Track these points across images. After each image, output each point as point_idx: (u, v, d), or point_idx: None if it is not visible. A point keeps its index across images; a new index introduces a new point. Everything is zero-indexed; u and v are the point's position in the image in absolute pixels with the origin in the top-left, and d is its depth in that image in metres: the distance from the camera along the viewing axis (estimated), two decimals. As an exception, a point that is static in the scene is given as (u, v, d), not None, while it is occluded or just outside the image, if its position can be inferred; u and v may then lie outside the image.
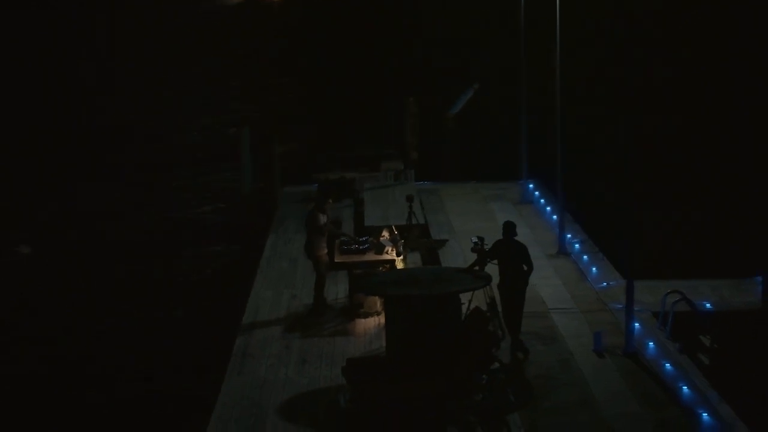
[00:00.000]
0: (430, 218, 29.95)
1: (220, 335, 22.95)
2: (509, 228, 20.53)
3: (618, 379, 19.21)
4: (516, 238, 20.62)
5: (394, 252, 22.72)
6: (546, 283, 24.57)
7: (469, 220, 30.57)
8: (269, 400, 18.65)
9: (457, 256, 26.02)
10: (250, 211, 33.97)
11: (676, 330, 21.30)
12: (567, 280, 24.80)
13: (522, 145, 32.16)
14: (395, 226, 24.31)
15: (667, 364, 19.57)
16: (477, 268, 20.45)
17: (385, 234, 23.61)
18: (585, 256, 26.41)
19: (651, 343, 20.60)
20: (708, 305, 22.73)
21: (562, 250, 26.93)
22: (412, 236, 26.37)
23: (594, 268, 25.43)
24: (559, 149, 26.79)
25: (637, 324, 21.51)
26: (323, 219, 22.51)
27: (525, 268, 20.44)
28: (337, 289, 23.88)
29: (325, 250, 22.70)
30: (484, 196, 33.33)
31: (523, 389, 18.68)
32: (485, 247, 20.70)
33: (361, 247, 22.97)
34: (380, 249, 22.78)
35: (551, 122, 27.05)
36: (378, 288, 20.01)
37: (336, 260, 22.68)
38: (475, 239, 21.17)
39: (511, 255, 20.36)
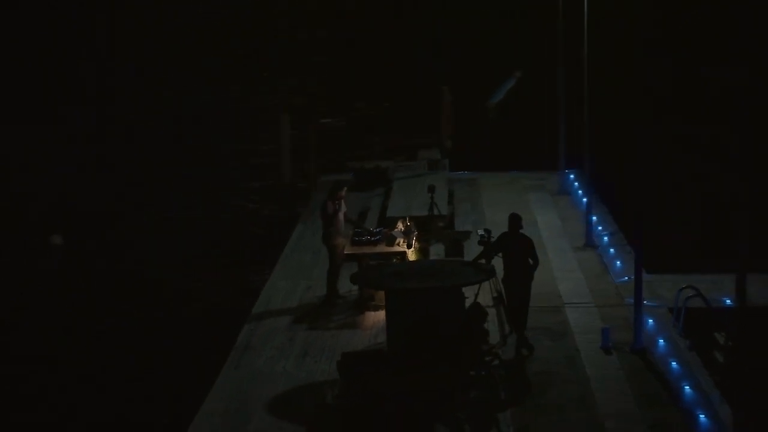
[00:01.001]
0: (462, 208, 29.49)
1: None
2: (515, 221, 20.04)
3: (621, 377, 18.65)
4: (522, 231, 20.13)
5: (405, 244, 22.31)
6: (567, 277, 24.06)
7: (501, 210, 29.94)
8: (261, 393, 18.29)
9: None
10: (288, 201, 33.76)
11: (690, 327, 20.69)
12: (589, 274, 24.25)
13: (560, 134, 31.64)
14: (410, 218, 23.84)
15: (674, 363, 18.97)
16: (483, 261, 20.02)
17: (400, 225, 23.20)
18: (612, 249, 25.83)
19: (661, 341, 20.01)
20: (728, 301, 22.03)
21: (589, 243, 26.36)
22: (435, 227, 25.98)
23: (618, 262, 24.86)
24: (587, 139, 26.31)
25: (651, 320, 20.99)
26: (332, 208, 22.20)
27: (531, 262, 19.94)
28: (352, 281, 23.57)
29: (340, 240, 22.38)
30: (524, 186, 32.81)
31: (519, 387, 18.21)
32: (492, 239, 20.23)
33: (373, 239, 22.58)
34: (391, 240, 22.40)
35: (596, 111, 26.66)
36: (375, 280, 19.64)
37: (346, 251, 22.32)
38: (481, 232, 20.70)
39: (516, 249, 19.86)
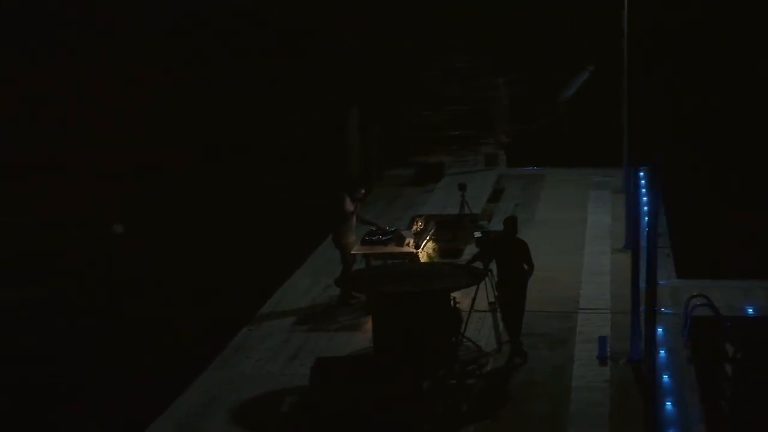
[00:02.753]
0: (506, 207, 28.70)
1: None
2: (510, 224, 19.34)
3: (604, 390, 17.80)
4: (518, 234, 19.42)
5: (414, 244, 21.77)
6: (593, 281, 23.26)
7: (554, 209, 29.34)
8: (232, 398, 17.91)
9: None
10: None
11: (698, 338, 19.74)
12: (617, 278, 23.35)
13: (624, 128, 30.59)
14: (426, 217, 23.27)
15: (666, 376, 18.07)
16: (479, 264, 19.44)
17: (416, 224, 22.65)
18: (651, 252, 24.82)
19: (662, 351, 19.08)
20: (750, 310, 20.99)
21: (629, 245, 25.34)
22: (466, 227, 25.40)
23: (652, 266, 23.88)
24: (625, 135, 25.42)
25: (660, 329, 20.05)
26: (351, 205, 21.82)
27: (526, 267, 19.22)
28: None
29: (353, 238, 21.99)
30: (591, 183, 31.96)
31: (491, 399, 17.56)
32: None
33: (384, 238, 22.07)
34: (401, 241, 21.87)
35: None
36: (359, 283, 19.21)
37: (354, 251, 21.87)
38: (478, 234, 20.20)
39: (510, 253, 19.15)
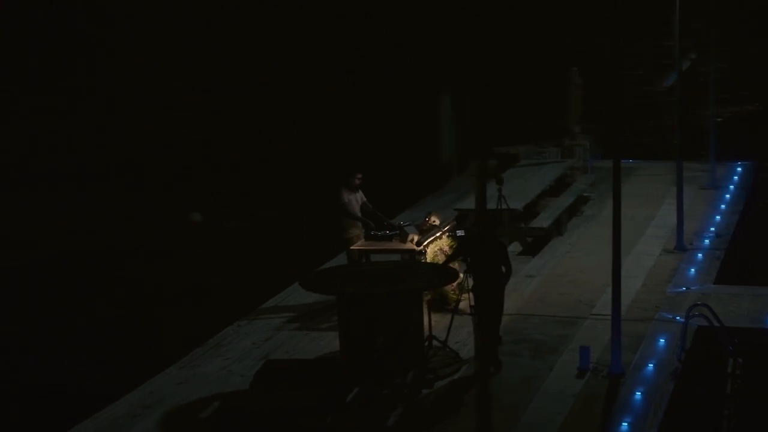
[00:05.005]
0: (564, 202, 27.05)
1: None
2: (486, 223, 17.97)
3: (566, 404, 16.29)
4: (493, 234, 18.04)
5: (416, 241, 20.51)
6: (625, 284, 21.52)
7: (626, 205, 27.36)
8: (175, 399, 17.01)
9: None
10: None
11: (698, 350, 18.02)
12: (650, 282, 21.71)
13: (712, 121, 28.77)
14: (437, 214, 21.94)
15: (638, 393, 16.46)
16: (454, 264, 18.20)
17: (433, 219, 21.32)
18: (699, 254, 23.04)
19: (651, 365, 17.45)
20: (775, 323, 19.10)
21: (680, 246, 23.63)
22: (506, 223, 23.99)
23: (692, 270, 22.11)
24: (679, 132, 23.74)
25: (662, 339, 18.43)
26: (347, 197, 20.62)
27: (503, 269, 17.81)
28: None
29: (356, 232, 20.83)
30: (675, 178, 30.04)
31: (432, 413, 16.28)
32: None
33: (390, 233, 20.83)
34: (405, 237, 20.63)
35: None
36: (318, 282, 18.09)
37: (352, 247, 20.71)
38: (460, 232, 18.83)
39: (485, 254, 17.75)
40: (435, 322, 18.69)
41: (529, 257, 23.76)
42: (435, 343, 18.12)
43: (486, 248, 17.71)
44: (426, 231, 20.75)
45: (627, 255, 23.40)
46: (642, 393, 16.41)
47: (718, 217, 26.01)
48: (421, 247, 20.27)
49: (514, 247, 24.21)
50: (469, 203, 25.11)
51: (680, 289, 20.94)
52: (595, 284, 21.71)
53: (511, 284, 21.52)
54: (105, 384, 18.76)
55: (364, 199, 20.92)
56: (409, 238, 20.52)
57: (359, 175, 20.75)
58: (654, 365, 17.41)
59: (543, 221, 24.63)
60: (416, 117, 35.42)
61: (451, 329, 18.36)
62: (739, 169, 30.54)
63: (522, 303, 20.80)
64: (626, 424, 15.46)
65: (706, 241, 23.93)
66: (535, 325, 19.62)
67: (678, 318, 19.11)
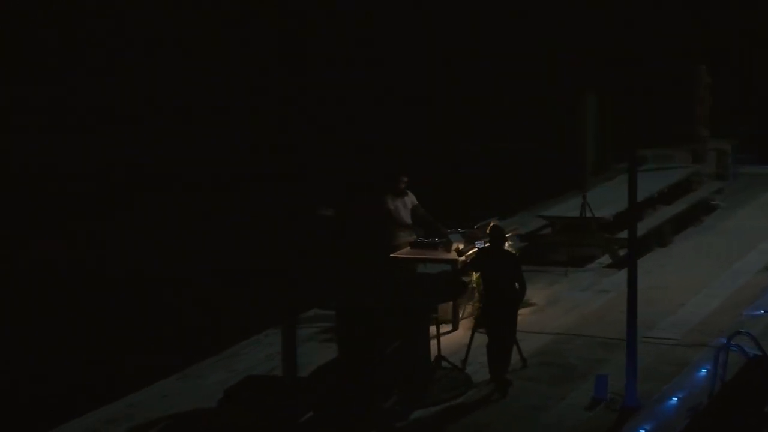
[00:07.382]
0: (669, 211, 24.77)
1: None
2: (495, 234, 16.22)
3: (560, 442, 14.45)
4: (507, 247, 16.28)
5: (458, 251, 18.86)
6: (699, 303, 19.56)
7: (755, 216, 25.35)
8: (151, 414, 15.82)
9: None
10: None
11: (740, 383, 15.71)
12: (730, 303, 19.49)
13: None
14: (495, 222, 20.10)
15: (642, 431, 14.41)
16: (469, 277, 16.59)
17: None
18: (800, 274, 20.59)
19: (675, 398, 15.33)
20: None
21: (781, 264, 21.19)
22: (591, 233, 22.05)
23: (782, 291, 19.75)
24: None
25: (704, 369, 16.24)
26: (393, 203, 19.25)
27: (517, 286, 16.00)
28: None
29: (402, 241, 19.39)
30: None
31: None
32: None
33: (438, 241, 19.21)
34: (449, 246, 19.02)
35: None
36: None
37: (392, 255, 19.21)
38: (480, 243, 17.17)
39: (497, 269, 15.99)
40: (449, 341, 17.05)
41: (614, 270, 21.65)
42: (444, 364, 16.48)
43: (497, 262, 16.00)
44: (469, 240, 19.08)
45: (725, 270, 21.28)
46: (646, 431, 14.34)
47: None
48: (464, 257, 18.63)
49: (604, 259, 22.20)
50: (555, 210, 23.16)
51: (758, 312, 18.54)
52: (672, 302, 19.64)
53: (577, 300, 19.84)
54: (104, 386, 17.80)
55: (416, 202, 19.51)
56: (453, 246, 18.92)
57: (405, 179, 19.37)
58: (679, 398, 15.26)
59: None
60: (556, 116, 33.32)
61: (471, 349, 16.65)
62: None
63: (576, 321, 18.90)
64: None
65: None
66: (577, 347, 17.72)
67: (732, 346, 16.77)
